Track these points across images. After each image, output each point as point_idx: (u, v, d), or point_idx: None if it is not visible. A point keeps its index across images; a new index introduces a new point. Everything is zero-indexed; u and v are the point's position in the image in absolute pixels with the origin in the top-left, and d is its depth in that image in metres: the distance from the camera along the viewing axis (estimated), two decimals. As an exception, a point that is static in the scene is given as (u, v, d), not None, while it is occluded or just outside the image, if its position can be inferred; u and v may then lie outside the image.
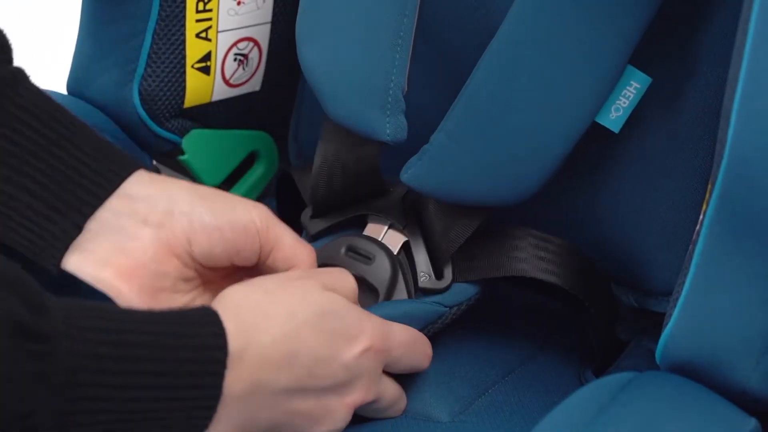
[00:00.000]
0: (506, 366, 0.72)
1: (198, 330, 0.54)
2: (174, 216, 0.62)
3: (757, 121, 0.50)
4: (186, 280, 0.64)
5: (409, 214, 0.71)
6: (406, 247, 0.70)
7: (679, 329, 0.57)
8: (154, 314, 0.54)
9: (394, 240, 0.70)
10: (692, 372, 0.57)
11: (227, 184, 0.91)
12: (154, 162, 0.85)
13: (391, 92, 0.67)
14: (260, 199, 0.93)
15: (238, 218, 0.63)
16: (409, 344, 0.65)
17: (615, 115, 0.64)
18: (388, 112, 0.67)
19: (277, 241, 0.65)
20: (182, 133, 0.83)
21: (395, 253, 0.69)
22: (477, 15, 0.69)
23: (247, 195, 0.91)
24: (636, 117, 0.65)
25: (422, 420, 0.66)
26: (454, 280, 0.69)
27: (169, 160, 0.88)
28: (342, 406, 0.60)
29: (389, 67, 0.67)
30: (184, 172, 0.89)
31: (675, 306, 0.57)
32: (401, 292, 0.69)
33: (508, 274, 0.68)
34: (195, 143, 0.84)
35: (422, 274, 0.69)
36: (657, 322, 0.65)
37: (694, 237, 0.57)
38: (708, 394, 0.56)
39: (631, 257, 0.71)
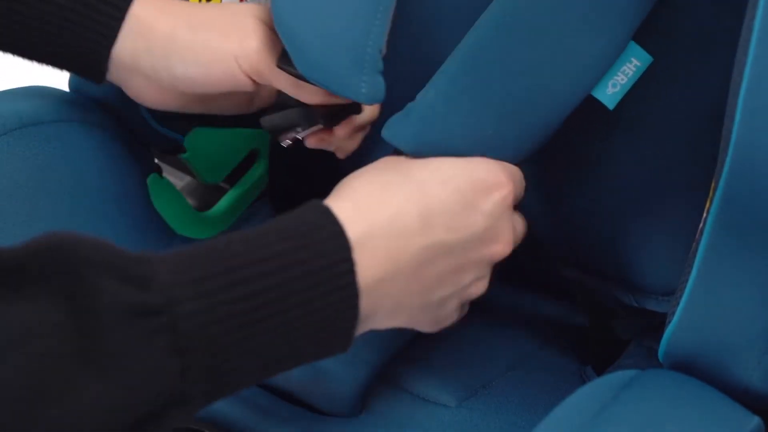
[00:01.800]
0: (508, 362, 0.72)
1: (314, 236, 0.53)
2: (153, 55, 0.65)
3: (761, 119, 0.50)
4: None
5: None
6: None
7: (682, 327, 0.57)
8: (260, 237, 0.53)
9: None
10: (695, 370, 0.57)
11: (228, 182, 0.91)
12: (156, 159, 0.85)
13: (369, 50, 0.63)
14: (261, 198, 0.93)
15: (214, 68, 0.65)
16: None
17: (612, 90, 0.62)
18: (364, 70, 0.63)
19: (273, 81, 0.66)
20: (184, 132, 0.83)
21: None
22: None
23: (247, 193, 0.91)
24: (637, 103, 0.64)
25: (431, 403, 0.66)
26: None
27: (171, 158, 0.88)
28: (487, 257, 0.59)
29: (368, 26, 0.64)
30: (186, 169, 0.89)
31: (678, 304, 0.57)
32: None
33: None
34: (196, 141, 0.84)
35: None
36: (658, 321, 0.65)
37: (697, 235, 0.57)
38: (711, 392, 0.56)
39: (631, 257, 0.71)
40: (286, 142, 0.70)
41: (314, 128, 0.69)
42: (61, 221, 0.73)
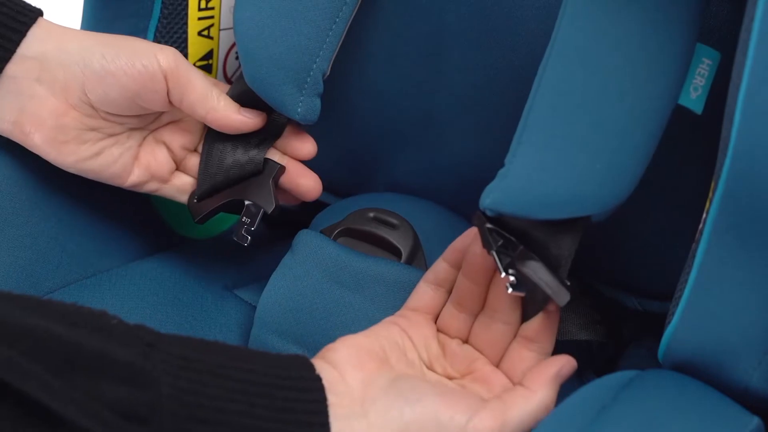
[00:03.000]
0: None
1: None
2: (66, 68, 0.64)
3: (760, 120, 0.50)
4: (92, 129, 0.65)
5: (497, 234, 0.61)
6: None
7: (681, 328, 0.57)
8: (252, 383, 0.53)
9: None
10: (695, 370, 0.57)
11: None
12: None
13: (312, 74, 0.67)
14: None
15: (136, 61, 0.64)
16: None
17: (695, 94, 0.61)
18: (303, 92, 0.67)
19: (188, 84, 0.65)
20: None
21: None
22: None
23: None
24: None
25: None
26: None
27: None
28: None
29: (316, 49, 0.67)
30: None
31: (678, 304, 0.57)
32: (420, 262, 0.70)
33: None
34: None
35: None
36: (658, 321, 0.65)
37: (696, 236, 0.56)
38: (711, 393, 0.56)
39: (635, 261, 0.71)
40: (246, 239, 0.69)
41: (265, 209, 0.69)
42: (61, 221, 0.73)
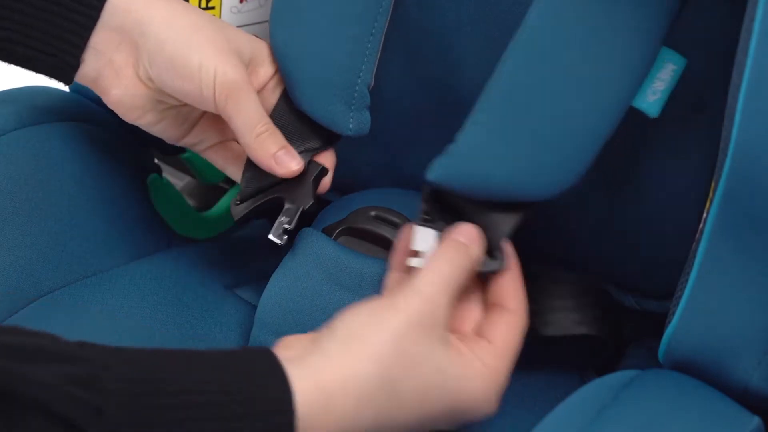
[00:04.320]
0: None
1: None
2: (139, 48, 0.65)
3: (761, 120, 0.50)
4: (158, 101, 0.68)
5: (436, 208, 0.64)
6: None
7: (682, 327, 0.57)
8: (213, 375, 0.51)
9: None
10: (695, 370, 0.57)
11: (228, 182, 0.91)
12: (156, 160, 0.85)
13: (357, 88, 0.67)
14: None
15: (196, 73, 0.64)
16: None
17: (652, 98, 0.61)
18: (352, 107, 0.67)
19: (236, 108, 0.65)
20: (184, 131, 0.83)
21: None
22: None
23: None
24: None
25: None
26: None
27: (171, 158, 0.88)
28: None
29: (358, 63, 0.67)
30: (186, 169, 0.89)
31: (678, 304, 0.57)
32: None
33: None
34: (196, 141, 0.84)
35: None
36: (658, 321, 0.65)
37: (697, 235, 0.57)
38: (711, 392, 0.56)
39: (633, 259, 0.71)
40: (283, 238, 0.68)
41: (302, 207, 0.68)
42: (61, 221, 0.73)
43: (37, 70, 0.66)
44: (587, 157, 0.60)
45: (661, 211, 0.69)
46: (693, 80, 0.62)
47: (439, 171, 0.62)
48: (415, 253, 0.61)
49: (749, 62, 0.50)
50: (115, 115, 0.80)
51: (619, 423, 0.53)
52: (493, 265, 0.61)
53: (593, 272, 0.74)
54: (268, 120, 0.67)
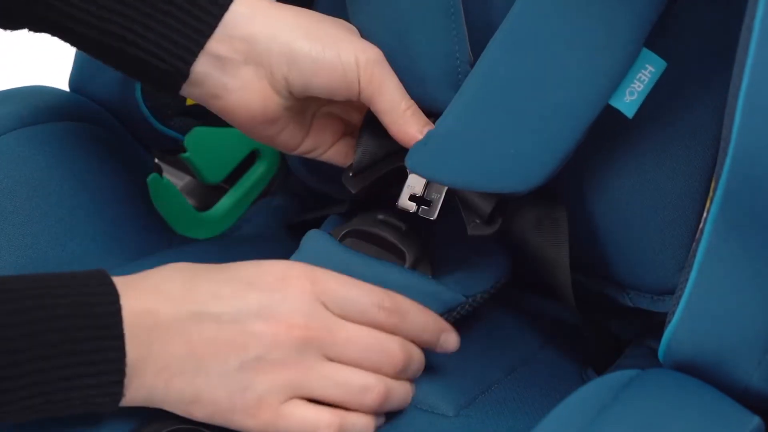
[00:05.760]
0: (509, 364, 0.72)
1: (82, 281, 0.56)
2: (273, 56, 0.65)
3: (761, 119, 0.50)
4: (286, 109, 0.67)
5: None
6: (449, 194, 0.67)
7: (682, 327, 0.57)
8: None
9: (437, 188, 0.68)
10: (695, 370, 0.57)
11: (228, 182, 0.91)
12: (156, 159, 0.85)
13: (459, 69, 0.66)
14: (261, 198, 0.93)
15: (338, 61, 0.64)
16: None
17: (629, 99, 0.62)
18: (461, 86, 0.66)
19: (379, 90, 0.65)
20: (184, 131, 0.83)
21: (441, 198, 0.67)
22: None
23: (247, 194, 0.91)
24: (646, 105, 0.63)
25: (428, 411, 0.66)
26: (501, 225, 0.66)
27: (171, 158, 0.88)
28: (268, 334, 0.58)
29: (451, 46, 0.66)
30: (186, 169, 0.89)
31: (678, 303, 0.57)
32: (426, 267, 0.69)
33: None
34: (197, 141, 0.84)
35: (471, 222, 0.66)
36: (658, 321, 0.65)
37: (697, 235, 0.57)
38: (711, 392, 0.56)
39: (627, 256, 0.71)
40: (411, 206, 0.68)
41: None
42: (61, 221, 0.73)
43: (145, 79, 0.67)
44: (561, 153, 0.61)
45: (646, 211, 0.69)
46: (672, 83, 0.63)
47: (415, 158, 0.64)
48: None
49: (749, 61, 0.50)
50: (115, 115, 0.80)
51: (619, 423, 0.53)
52: (487, 228, 0.64)
53: (588, 270, 0.74)
54: (408, 97, 0.67)
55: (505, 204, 0.66)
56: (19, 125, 0.75)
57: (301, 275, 0.60)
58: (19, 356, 0.53)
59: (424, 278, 0.67)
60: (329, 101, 0.70)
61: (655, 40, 0.61)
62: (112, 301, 0.56)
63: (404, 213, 0.69)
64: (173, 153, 0.85)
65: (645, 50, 0.61)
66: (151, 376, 0.56)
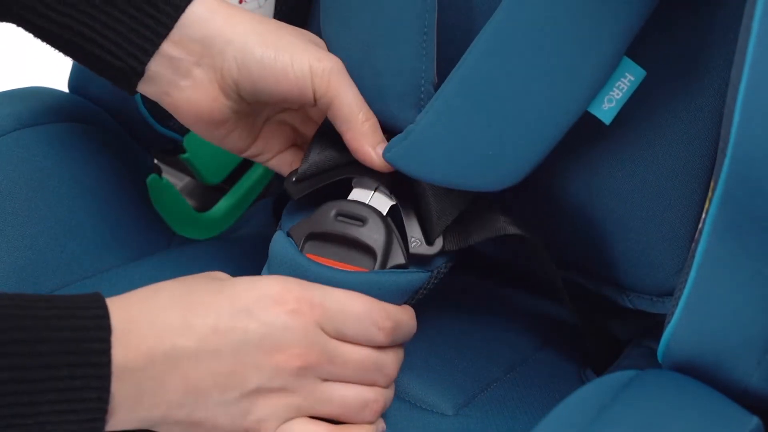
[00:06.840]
0: (508, 363, 0.72)
1: (78, 313, 0.55)
2: (225, 60, 0.65)
3: (760, 120, 0.50)
4: (234, 112, 0.67)
5: (396, 177, 0.67)
6: (394, 211, 0.67)
7: (681, 328, 0.57)
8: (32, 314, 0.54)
9: (381, 203, 0.67)
10: (694, 370, 0.57)
11: (228, 182, 0.91)
12: (156, 160, 0.85)
13: (422, 89, 0.66)
14: (260, 199, 0.93)
15: (290, 70, 0.65)
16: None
17: (608, 106, 0.63)
18: (422, 107, 0.66)
19: (335, 100, 0.65)
20: (183, 132, 0.83)
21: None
22: None
23: (247, 194, 0.91)
24: (630, 111, 0.64)
25: (427, 410, 0.66)
26: (443, 248, 0.66)
27: (170, 158, 0.88)
28: (270, 365, 0.58)
29: (418, 64, 0.65)
30: (185, 170, 0.89)
31: (677, 304, 0.57)
32: (397, 253, 0.66)
33: (495, 235, 0.67)
34: (196, 142, 0.84)
35: (413, 239, 0.66)
36: (657, 321, 0.65)
37: (696, 236, 0.57)
38: (710, 393, 0.56)
39: (627, 258, 0.71)
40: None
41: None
42: (61, 222, 0.73)
43: (102, 74, 0.67)
44: (537, 156, 0.62)
45: (644, 214, 0.69)
46: (651, 91, 0.63)
47: (394, 151, 0.64)
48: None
49: (748, 62, 0.50)
50: (114, 116, 0.80)
51: (618, 423, 0.53)
52: (426, 249, 0.65)
53: (587, 272, 0.74)
54: (368, 109, 0.66)
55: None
56: (18, 126, 0.75)
57: (299, 298, 0.59)
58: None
59: (392, 274, 0.65)
60: (284, 109, 0.71)
61: (634, 49, 0.61)
62: (102, 338, 0.54)
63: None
64: (172, 154, 0.85)
65: (625, 59, 0.62)
66: (144, 411, 0.56)
